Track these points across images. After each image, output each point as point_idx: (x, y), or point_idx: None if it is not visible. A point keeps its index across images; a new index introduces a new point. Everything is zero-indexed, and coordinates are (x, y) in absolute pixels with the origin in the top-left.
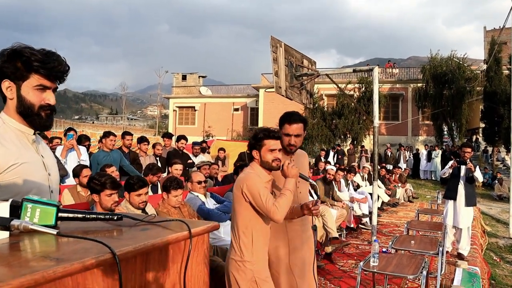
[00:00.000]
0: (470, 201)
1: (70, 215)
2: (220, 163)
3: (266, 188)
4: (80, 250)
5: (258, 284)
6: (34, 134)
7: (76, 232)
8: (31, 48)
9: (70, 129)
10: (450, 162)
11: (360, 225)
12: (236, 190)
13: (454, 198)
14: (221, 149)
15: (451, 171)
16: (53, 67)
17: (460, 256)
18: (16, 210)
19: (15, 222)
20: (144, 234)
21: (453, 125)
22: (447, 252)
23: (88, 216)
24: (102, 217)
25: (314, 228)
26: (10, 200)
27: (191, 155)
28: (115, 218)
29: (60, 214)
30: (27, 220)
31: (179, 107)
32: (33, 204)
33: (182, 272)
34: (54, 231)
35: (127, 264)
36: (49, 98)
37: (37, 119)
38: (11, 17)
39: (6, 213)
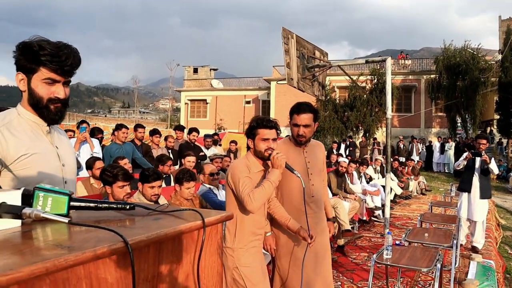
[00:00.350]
0: (485, 194)
1: (82, 204)
2: (232, 155)
3: (248, 178)
4: (92, 239)
5: (240, 270)
6: (49, 125)
7: (88, 221)
8: (45, 42)
9: (83, 121)
10: (465, 154)
11: (372, 218)
12: (225, 178)
13: (469, 191)
14: (233, 141)
15: (465, 163)
16: (60, 62)
17: (474, 249)
18: (28, 198)
19: (26, 210)
20: (156, 224)
21: (466, 116)
22: (461, 245)
23: (100, 205)
24: (114, 206)
25: (334, 221)
26: (22, 188)
27: (203, 148)
28: (128, 207)
29: (72, 203)
30: (39, 209)
31: (191, 100)
32: (45, 193)
33: (195, 262)
34: (66, 220)
35: (139, 253)
36: (58, 91)
37: (45, 112)
38: (23, 12)
39: (17, 202)
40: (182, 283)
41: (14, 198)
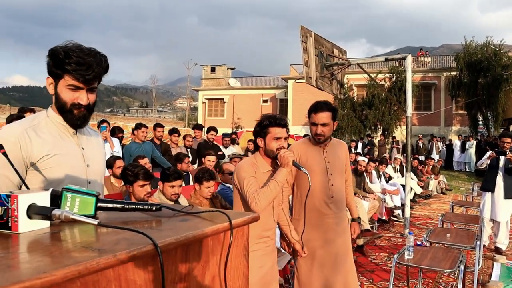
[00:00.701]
0: (509, 193)
1: (109, 205)
2: (250, 154)
3: (254, 178)
4: (121, 241)
5: None
6: (73, 128)
7: (115, 223)
8: (74, 49)
9: (103, 121)
10: (488, 153)
11: (392, 217)
12: (232, 178)
13: (492, 190)
14: (251, 140)
15: (489, 162)
16: (82, 71)
17: (498, 251)
18: (56, 199)
19: (56, 212)
20: (184, 225)
21: (488, 114)
22: (484, 246)
23: (127, 206)
24: (140, 207)
25: (359, 221)
26: (50, 189)
27: (221, 147)
28: (154, 208)
29: (99, 204)
30: (67, 210)
31: (208, 99)
32: (73, 194)
33: (221, 264)
34: (95, 221)
35: (167, 255)
36: (82, 97)
37: (69, 116)
38: (45, 14)
39: (47, 203)
40: (208, 285)
41: (43, 199)
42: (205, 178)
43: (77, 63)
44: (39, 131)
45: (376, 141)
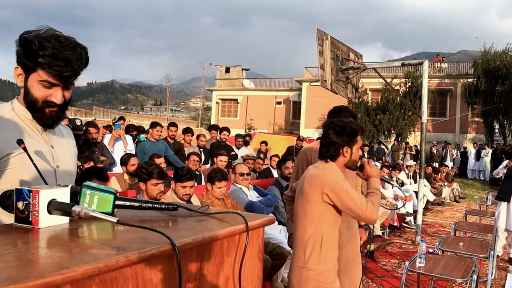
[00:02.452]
0: None
1: (127, 203)
2: (262, 156)
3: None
4: (138, 240)
5: None
6: (42, 127)
7: (131, 221)
8: (49, 38)
9: (120, 118)
10: (505, 162)
11: (403, 224)
12: (311, 189)
13: (508, 200)
14: (263, 142)
15: (505, 171)
16: (59, 66)
17: (511, 261)
18: (74, 195)
19: (76, 208)
20: (200, 226)
21: (505, 122)
22: (497, 256)
23: (144, 205)
24: (157, 206)
25: (366, 228)
26: (70, 185)
27: (233, 147)
28: (171, 208)
29: (117, 202)
30: (86, 207)
31: (222, 100)
32: (92, 191)
33: (236, 266)
34: (115, 219)
35: (184, 255)
36: (56, 95)
37: (39, 114)
38: (63, 12)
39: (66, 199)
40: (222, 286)
41: (63, 194)
42: (217, 178)
43: (53, 57)
44: (3, 125)
45: (389, 146)
